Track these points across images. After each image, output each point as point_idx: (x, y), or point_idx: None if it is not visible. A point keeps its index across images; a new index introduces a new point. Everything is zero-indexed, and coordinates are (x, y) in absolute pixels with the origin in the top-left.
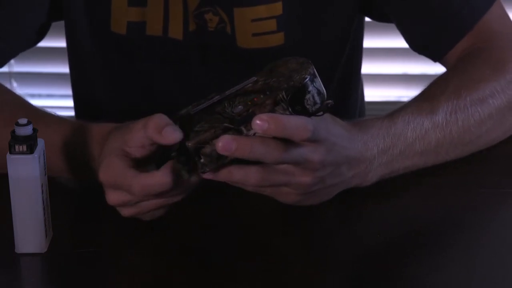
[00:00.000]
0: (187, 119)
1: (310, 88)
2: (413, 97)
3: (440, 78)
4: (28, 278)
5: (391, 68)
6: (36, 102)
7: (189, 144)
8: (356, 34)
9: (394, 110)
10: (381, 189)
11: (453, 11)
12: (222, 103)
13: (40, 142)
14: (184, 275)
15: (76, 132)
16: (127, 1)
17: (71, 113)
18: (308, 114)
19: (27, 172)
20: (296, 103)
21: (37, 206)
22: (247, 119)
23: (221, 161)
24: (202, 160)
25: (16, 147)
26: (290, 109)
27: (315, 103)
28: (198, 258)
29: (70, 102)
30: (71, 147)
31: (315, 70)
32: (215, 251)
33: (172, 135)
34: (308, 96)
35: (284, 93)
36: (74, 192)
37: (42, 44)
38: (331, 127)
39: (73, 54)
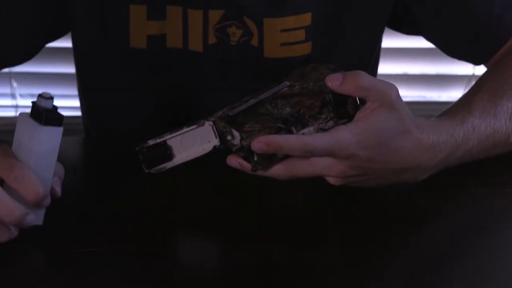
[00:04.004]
0: (228, 120)
1: None
2: (477, 92)
3: (494, 73)
4: (28, 278)
5: (391, 68)
6: None
7: (245, 143)
8: (379, 46)
9: (463, 107)
10: (384, 186)
11: (496, 16)
12: (263, 106)
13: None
14: (184, 275)
15: None
16: (147, 15)
17: (72, 113)
18: (349, 116)
19: (53, 144)
20: (340, 106)
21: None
22: (299, 121)
23: (272, 160)
24: (255, 159)
25: (50, 119)
26: (333, 112)
27: (355, 106)
28: (198, 259)
29: (70, 102)
30: None
31: None
32: (219, 251)
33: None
34: (350, 99)
35: (330, 96)
36: (74, 192)
37: None
38: (387, 134)
39: (83, 71)
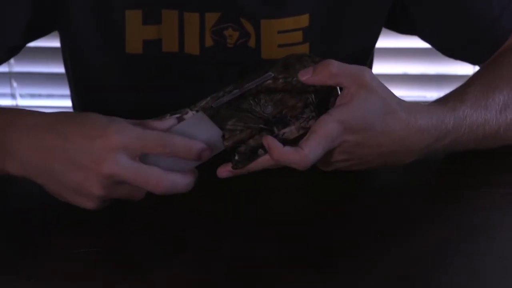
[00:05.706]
0: (211, 112)
1: (336, 91)
2: (470, 85)
3: (488, 69)
4: (27, 278)
5: (391, 68)
6: (36, 102)
7: (227, 144)
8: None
9: (455, 96)
10: (383, 187)
11: (494, 18)
12: (246, 99)
13: None
14: (184, 275)
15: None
16: (142, 20)
17: None
18: None
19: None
20: (322, 105)
21: None
22: (280, 121)
23: (253, 158)
24: (236, 158)
25: None
26: (316, 112)
27: (335, 103)
28: (198, 259)
29: (70, 102)
30: None
31: None
32: (219, 251)
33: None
34: (332, 98)
35: (313, 96)
36: None
37: (42, 44)
38: (374, 118)
39: (78, 76)
